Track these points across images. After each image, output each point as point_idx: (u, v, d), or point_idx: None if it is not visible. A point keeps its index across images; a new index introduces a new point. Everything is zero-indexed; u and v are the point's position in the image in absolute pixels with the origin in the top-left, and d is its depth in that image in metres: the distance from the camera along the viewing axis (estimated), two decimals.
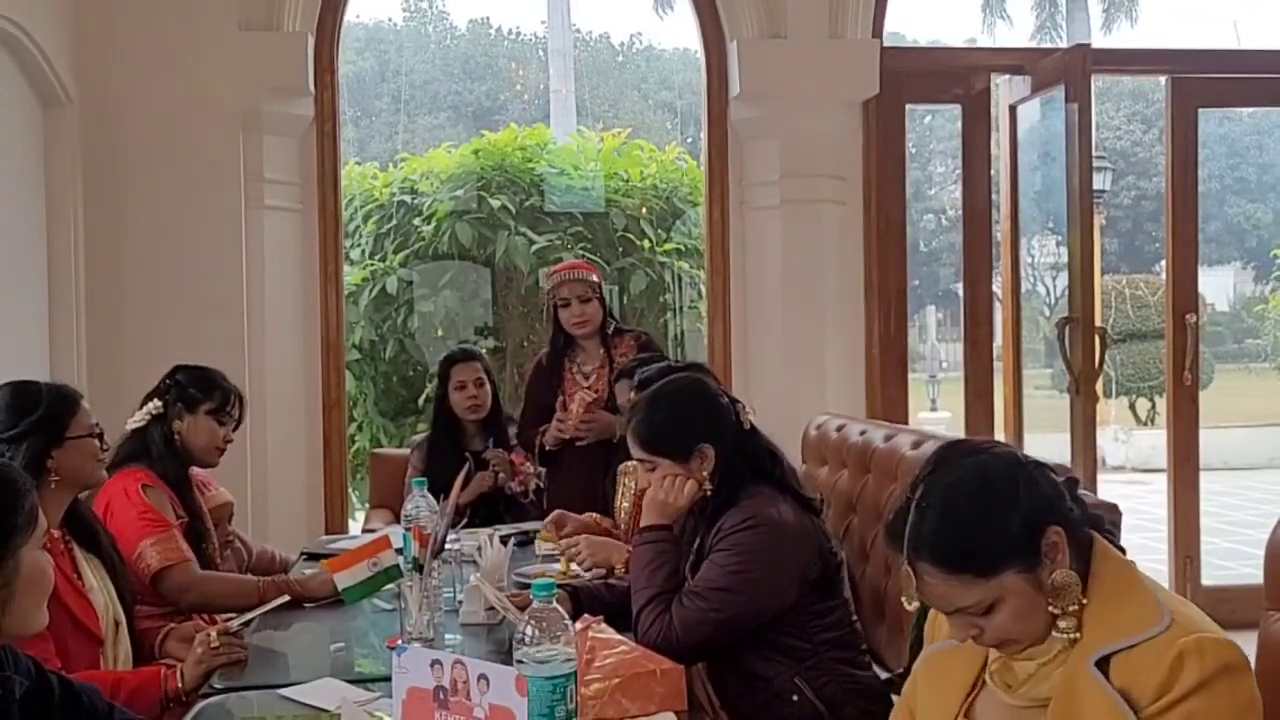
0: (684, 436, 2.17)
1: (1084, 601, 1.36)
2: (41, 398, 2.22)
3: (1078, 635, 1.36)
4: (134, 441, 2.65)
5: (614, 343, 3.54)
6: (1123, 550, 1.45)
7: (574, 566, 2.70)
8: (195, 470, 2.81)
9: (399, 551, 2.19)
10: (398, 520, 3.10)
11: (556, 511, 3.00)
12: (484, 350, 5.46)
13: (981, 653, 1.46)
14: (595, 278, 3.56)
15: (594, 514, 3.05)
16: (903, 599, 1.42)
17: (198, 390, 2.68)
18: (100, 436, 2.29)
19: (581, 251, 5.60)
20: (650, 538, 2.17)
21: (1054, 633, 1.37)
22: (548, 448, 3.52)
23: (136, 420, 2.67)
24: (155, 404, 2.67)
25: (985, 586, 1.35)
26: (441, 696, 1.35)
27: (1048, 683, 1.37)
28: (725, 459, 2.17)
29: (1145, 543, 5.85)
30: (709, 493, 2.17)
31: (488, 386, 3.74)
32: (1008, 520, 1.35)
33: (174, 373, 2.73)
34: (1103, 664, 1.32)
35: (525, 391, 3.78)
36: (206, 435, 2.68)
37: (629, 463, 3.08)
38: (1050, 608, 1.36)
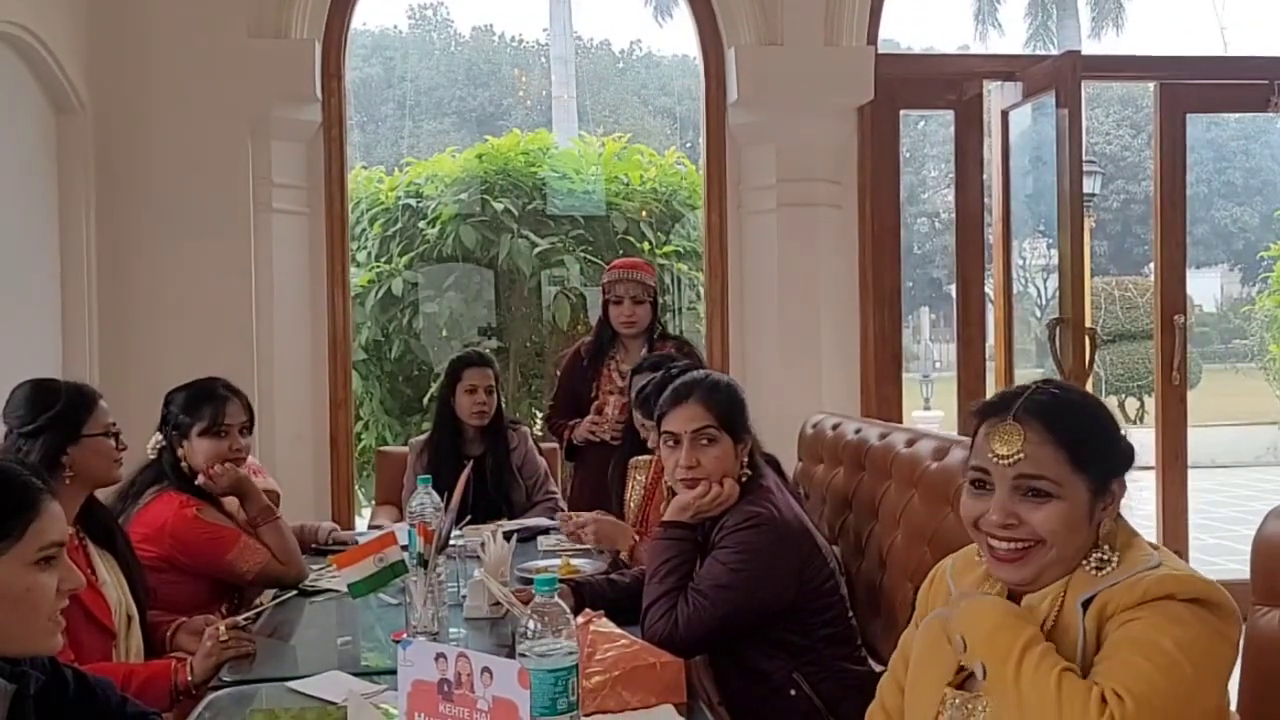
0: (743, 419, 2.26)
1: (1116, 555, 1.39)
2: (60, 395, 2.24)
3: (1111, 569, 1.38)
4: (155, 469, 2.65)
5: (657, 346, 3.53)
6: None
7: (575, 562, 2.73)
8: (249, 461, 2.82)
9: (404, 547, 2.18)
10: (403, 517, 3.16)
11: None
12: (487, 350, 5.52)
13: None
14: (652, 281, 3.58)
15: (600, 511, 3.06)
16: (992, 444, 1.41)
17: (187, 415, 2.65)
18: (117, 436, 2.30)
19: (583, 254, 5.64)
20: (674, 534, 2.20)
21: (1084, 563, 1.39)
22: (575, 442, 3.54)
23: (150, 453, 2.68)
24: (157, 438, 2.66)
25: (1067, 472, 1.38)
26: (446, 689, 1.34)
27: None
28: (754, 452, 2.28)
29: None
30: (744, 480, 2.22)
31: (496, 395, 3.70)
32: (1116, 442, 1.42)
33: (167, 401, 2.70)
34: (1088, 604, 1.35)
35: (559, 378, 3.78)
36: (207, 455, 2.64)
37: (639, 458, 3.13)
38: (1094, 552, 1.38)
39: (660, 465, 2.97)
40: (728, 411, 2.23)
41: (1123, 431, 1.44)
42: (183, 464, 2.64)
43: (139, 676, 2.02)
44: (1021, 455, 1.38)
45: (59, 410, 2.21)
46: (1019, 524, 1.38)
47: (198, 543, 2.55)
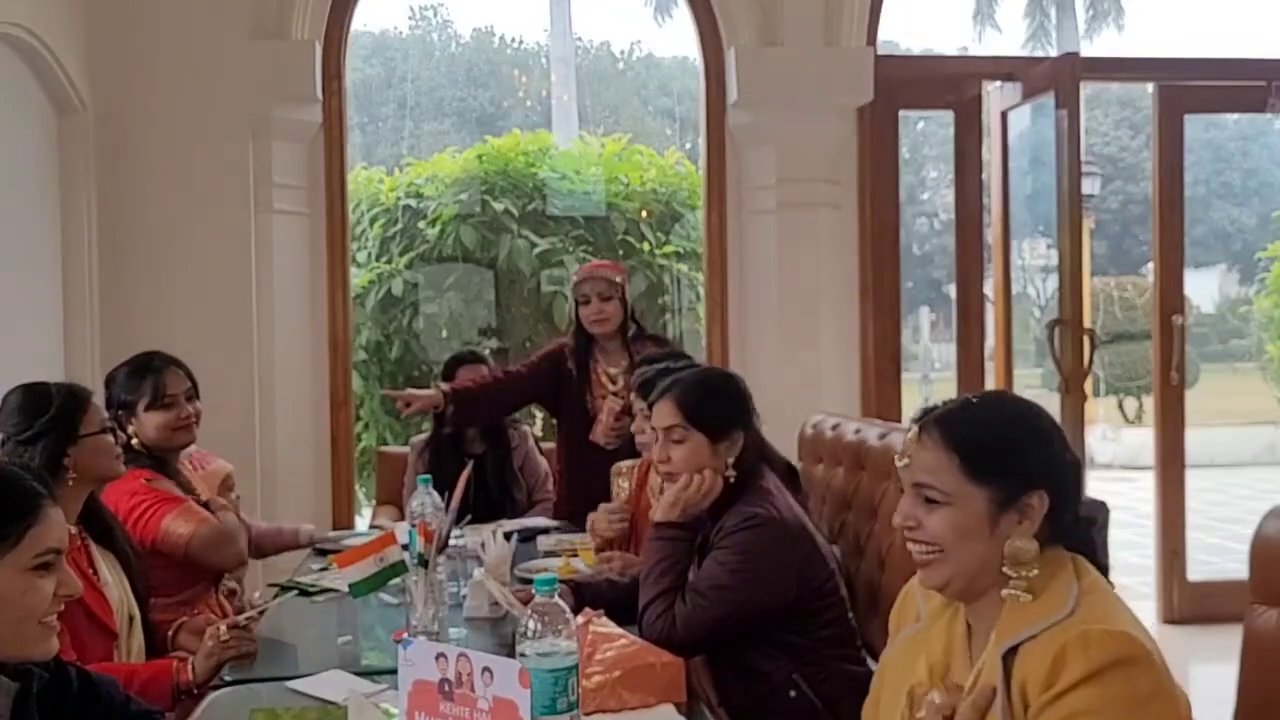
0: (723, 417, 2.21)
1: (1035, 573, 1.35)
2: (52, 398, 2.23)
3: (1029, 597, 1.35)
4: None
5: (636, 347, 3.48)
6: (1104, 570, 1.42)
7: (574, 562, 2.73)
8: (190, 450, 2.81)
9: (404, 547, 2.18)
10: (403, 517, 3.16)
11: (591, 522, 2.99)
12: (487, 350, 5.47)
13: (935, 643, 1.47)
14: (619, 278, 3.52)
15: (604, 505, 3.04)
16: (895, 457, 1.44)
17: (128, 393, 2.65)
18: (113, 431, 2.31)
19: (583, 254, 5.65)
20: (668, 534, 2.19)
21: (1004, 590, 1.36)
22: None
23: None
24: (104, 418, 2.60)
25: (958, 481, 1.37)
26: (446, 688, 1.34)
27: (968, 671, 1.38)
28: (747, 452, 2.22)
29: (1133, 539, 5.93)
30: (731, 480, 2.19)
31: None
32: (1031, 454, 1.38)
33: (108, 382, 2.70)
34: (1013, 654, 1.31)
35: (537, 355, 3.71)
36: (157, 427, 2.65)
37: (622, 463, 3.14)
38: (1003, 567, 1.36)
39: (645, 468, 2.98)
40: (698, 410, 2.21)
41: (1055, 445, 1.39)
42: (133, 440, 2.62)
43: (141, 676, 2.02)
44: (908, 461, 1.41)
45: (54, 414, 2.20)
46: (917, 527, 1.40)
47: (137, 506, 2.52)
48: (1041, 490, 1.36)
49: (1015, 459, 1.37)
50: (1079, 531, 1.41)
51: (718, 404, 2.24)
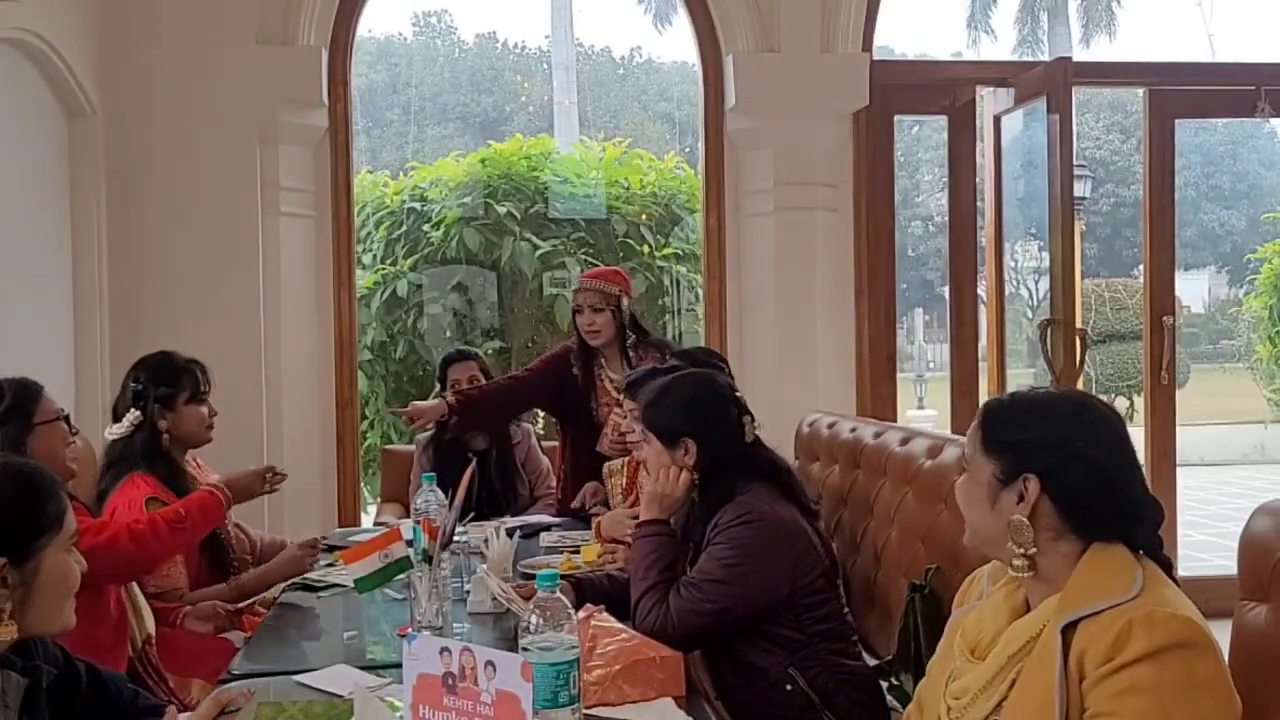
0: (675, 425, 2.24)
1: (1034, 550, 1.42)
2: (5, 390, 2.29)
3: (1030, 574, 1.42)
4: (122, 448, 2.65)
5: (638, 355, 3.46)
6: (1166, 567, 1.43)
7: (576, 558, 2.76)
8: (190, 457, 2.83)
9: (409, 544, 2.20)
10: (408, 514, 3.22)
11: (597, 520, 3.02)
12: (489, 351, 5.50)
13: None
14: (614, 289, 3.47)
15: (619, 509, 3.05)
16: None
17: (169, 387, 2.68)
18: (67, 419, 2.35)
19: (584, 256, 5.69)
20: (648, 531, 2.22)
21: (1011, 565, 1.45)
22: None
23: (119, 432, 2.66)
24: (135, 414, 2.64)
25: (978, 452, 1.47)
26: (450, 682, 1.35)
27: (1019, 641, 1.41)
28: (711, 459, 2.22)
29: None
30: (696, 483, 2.22)
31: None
32: (1027, 438, 1.44)
33: (136, 378, 2.70)
34: (1072, 629, 1.34)
35: (545, 355, 3.72)
36: (194, 421, 2.71)
37: (613, 462, 3.19)
38: (1009, 542, 1.43)
39: (635, 465, 3.03)
40: (655, 417, 2.27)
41: (1074, 440, 1.41)
42: (165, 436, 2.66)
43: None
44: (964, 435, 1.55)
45: (9, 404, 2.26)
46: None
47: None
48: (1033, 478, 1.42)
49: (1025, 441, 1.44)
50: (1116, 526, 1.42)
51: (669, 412, 2.26)
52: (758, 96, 4.50)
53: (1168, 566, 1.44)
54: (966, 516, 1.51)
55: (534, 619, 1.44)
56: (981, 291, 5.15)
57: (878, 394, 4.63)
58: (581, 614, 1.92)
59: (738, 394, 2.37)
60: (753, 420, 2.30)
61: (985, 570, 1.60)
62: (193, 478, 2.78)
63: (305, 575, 2.69)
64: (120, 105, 4.19)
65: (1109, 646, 1.29)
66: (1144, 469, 5.12)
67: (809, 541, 2.22)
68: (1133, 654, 1.28)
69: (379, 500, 4.46)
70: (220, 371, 2.88)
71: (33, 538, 1.46)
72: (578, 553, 2.83)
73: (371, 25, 24.36)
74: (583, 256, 5.66)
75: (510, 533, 2.60)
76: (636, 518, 2.88)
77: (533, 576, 2.06)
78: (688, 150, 9.96)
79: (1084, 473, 1.41)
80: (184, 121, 4.23)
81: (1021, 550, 1.43)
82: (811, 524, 2.27)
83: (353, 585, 2.30)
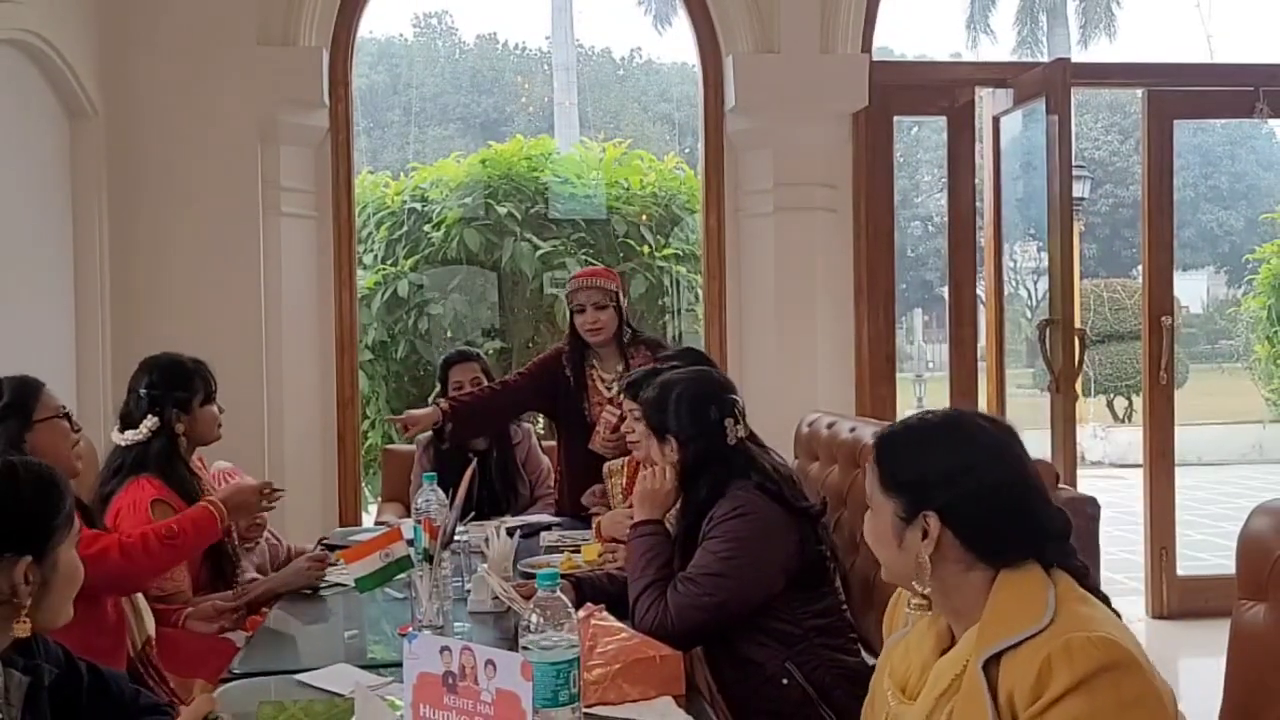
0: (662, 420, 2.31)
1: (929, 589, 1.41)
2: (3, 387, 2.28)
3: (927, 610, 1.43)
4: (137, 453, 2.64)
5: (631, 352, 3.48)
6: (1086, 571, 1.42)
7: (576, 557, 2.76)
8: (222, 465, 2.87)
9: (410, 543, 2.21)
10: (408, 513, 3.22)
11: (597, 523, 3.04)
12: (490, 351, 5.51)
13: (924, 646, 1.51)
14: (613, 286, 3.50)
15: (619, 510, 3.06)
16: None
17: (184, 390, 2.69)
18: (68, 416, 2.34)
19: (585, 256, 5.70)
20: (643, 531, 2.25)
21: (909, 605, 1.46)
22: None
23: (135, 437, 2.64)
24: (153, 420, 2.63)
25: (878, 491, 1.46)
26: (450, 681, 1.35)
27: (946, 679, 1.40)
28: (692, 458, 2.27)
29: (1123, 535, 5.99)
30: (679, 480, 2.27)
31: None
32: (925, 474, 1.42)
33: (147, 385, 2.68)
34: (995, 663, 1.32)
35: (536, 359, 3.73)
36: (209, 422, 2.75)
37: (613, 462, 3.20)
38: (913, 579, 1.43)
39: (634, 465, 3.03)
40: (651, 408, 2.34)
41: (975, 470, 1.40)
42: (182, 439, 2.67)
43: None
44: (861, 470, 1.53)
45: (8, 401, 2.25)
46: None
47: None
48: (934, 512, 1.40)
49: (918, 478, 1.43)
50: (1025, 547, 1.40)
51: (659, 408, 2.32)
52: (757, 97, 4.51)
53: (1083, 575, 1.41)
54: (877, 554, 1.49)
55: (534, 618, 1.44)
56: (980, 292, 5.15)
57: (877, 394, 4.64)
58: (581, 613, 1.92)
59: (734, 396, 2.37)
60: (736, 423, 2.30)
61: (903, 593, 1.59)
62: (199, 478, 2.79)
63: None
64: (122, 106, 4.20)
65: (1033, 685, 1.28)
66: (1143, 468, 5.16)
67: (798, 538, 2.23)
68: (1059, 689, 1.26)
69: (380, 500, 4.46)
70: (221, 371, 2.88)
71: (51, 536, 1.48)
72: (578, 552, 2.84)
73: (372, 26, 24.51)
74: (583, 257, 5.67)
75: (510, 532, 2.61)
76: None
77: (533, 576, 2.06)
78: (688, 151, 9.97)
79: (981, 501, 1.39)
80: (185, 122, 4.24)
81: (920, 588, 1.42)
82: (811, 524, 2.28)
83: (354, 584, 2.30)
